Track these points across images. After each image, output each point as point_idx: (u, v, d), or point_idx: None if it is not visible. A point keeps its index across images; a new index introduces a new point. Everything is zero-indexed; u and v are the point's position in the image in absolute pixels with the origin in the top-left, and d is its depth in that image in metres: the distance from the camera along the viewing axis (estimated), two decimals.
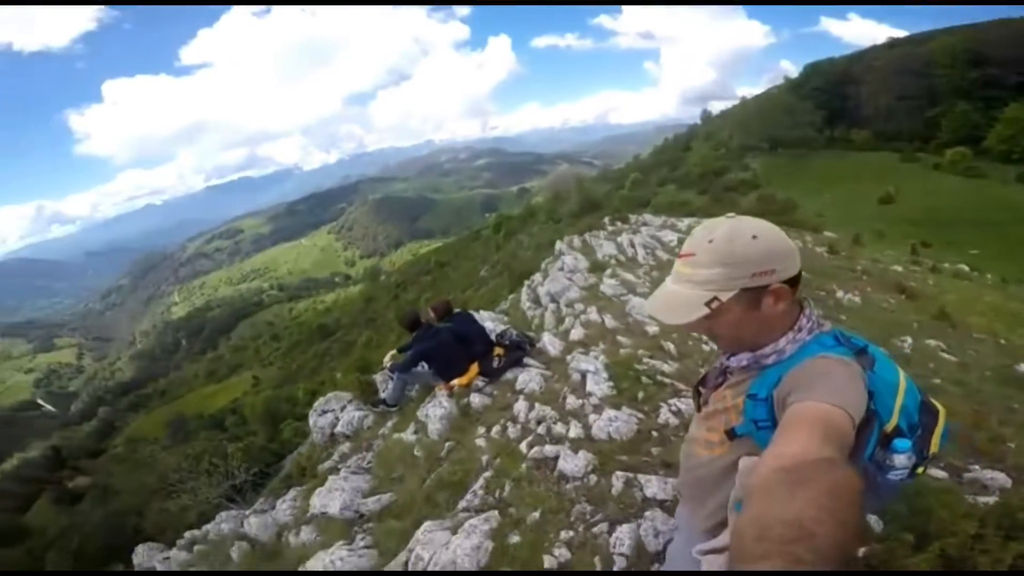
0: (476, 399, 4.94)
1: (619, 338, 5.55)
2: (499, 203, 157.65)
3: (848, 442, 0.79)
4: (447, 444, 4.55)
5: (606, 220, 14.27)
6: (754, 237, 0.95)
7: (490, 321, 7.87)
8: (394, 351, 6.08)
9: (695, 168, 43.45)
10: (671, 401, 4.00)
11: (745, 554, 0.52)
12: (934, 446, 1.05)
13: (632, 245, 9.67)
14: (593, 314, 6.31)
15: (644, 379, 4.38)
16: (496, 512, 3.19)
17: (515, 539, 2.93)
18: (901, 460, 0.97)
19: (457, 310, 5.59)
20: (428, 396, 5.51)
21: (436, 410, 5.03)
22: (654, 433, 3.62)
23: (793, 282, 0.99)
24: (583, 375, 4.56)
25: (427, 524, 3.32)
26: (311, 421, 7.35)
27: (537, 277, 9.25)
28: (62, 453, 51.31)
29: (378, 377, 7.31)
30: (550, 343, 5.72)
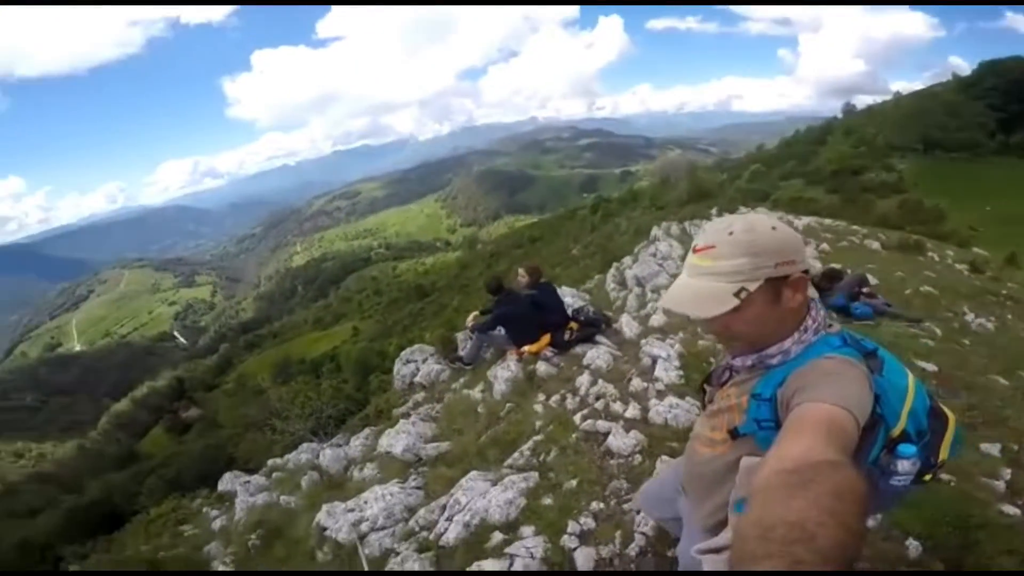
0: (542, 367, 5.07)
1: (700, 330, 5.37)
2: (599, 184, 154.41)
3: (852, 444, 0.77)
4: (507, 405, 4.76)
5: (713, 211, 13.50)
6: (773, 228, 0.96)
7: (570, 297, 7.92)
8: (477, 312, 6.35)
9: (829, 164, 39.22)
10: None
11: (747, 554, 0.52)
12: (943, 453, 1.03)
13: None
14: None
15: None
16: (536, 474, 3.33)
17: (547, 501, 3.04)
18: (905, 466, 0.95)
19: (543, 280, 5.67)
20: (500, 358, 5.74)
21: (504, 372, 5.25)
22: None
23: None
24: (654, 360, 4.51)
25: (472, 473, 3.54)
26: (395, 368, 7.98)
27: (627, 260, 9.08)
28: (184, 384, 59.14)
29: (460, 335, 7.70)
30: (627, 325, 5.68)
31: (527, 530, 2.84)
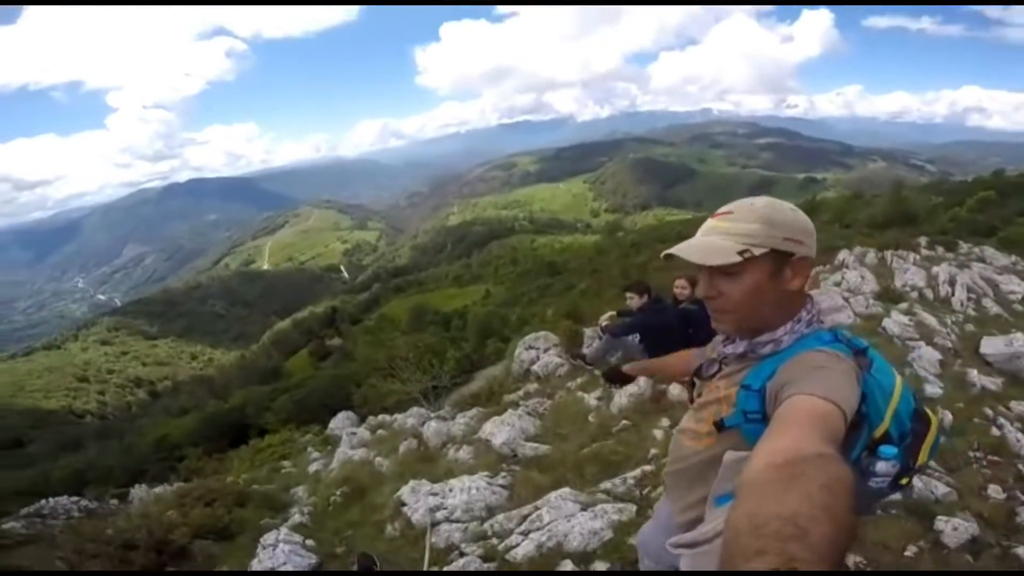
0: (675, 390, 4.48)
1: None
2: (774, 188, 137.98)
3: (840, 438, 0.77)
4: (623, 422, 4.33)
5: (922, 240, 10.83)
6: (792, 210, 1.00)
7: None
8: (612, 312, 5.84)
9: None
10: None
11: (739, 550, 0.50)
12: (922, 456, 1.03)
13: (951, 282, 7.04)
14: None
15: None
16: (634, 507, 2.96)
17: (635, 541, 2.54)
18: (884, 467, 0.94)
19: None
20: None
21: (629, 386, 4.75)
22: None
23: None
24: None
25: (565, 490, 3.21)
26: (516, 352, 7.80)
27: None
28: (336, 314, 66.97)
29: (588, 331, 7.27)
30: None
31: (601, 565, 2.59)
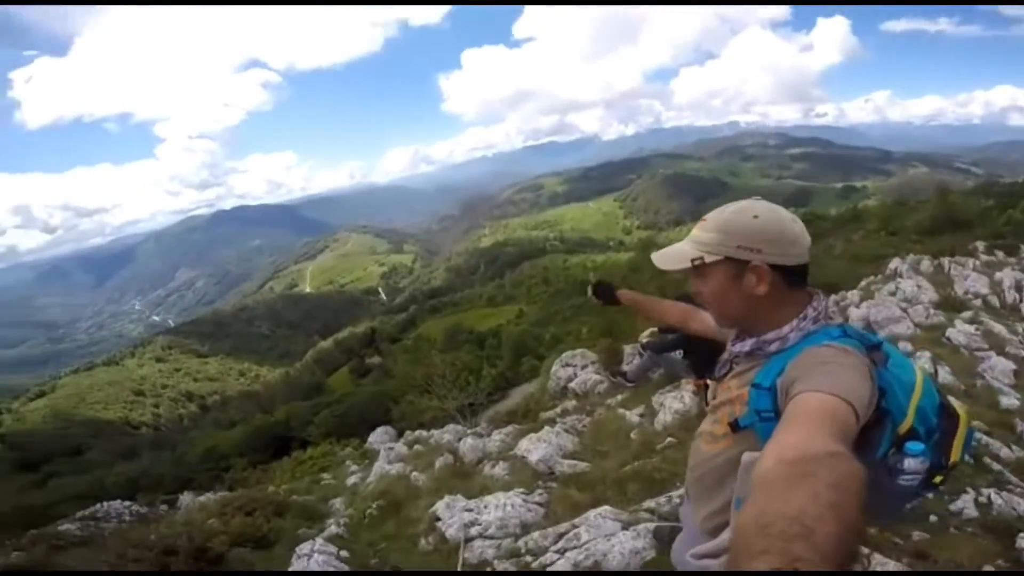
0: None
1: (952, 399, 3.81)
2: (812, 198, 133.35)
3: (851, 435, 0.75)
4: (668, 439, 4.15)
5: (979, 245, 10.17)
6: (755, 217, 0.99)
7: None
8: (654, 329, 5.71)
9: None
10: (984, 490, 2.76)
11: (743, 550, 0.49)
12: (955, 454, 1.00)
13: (1018, 287, 6.56)
14: (924, 361, 4.58)
15: (965, 457, 2.86)
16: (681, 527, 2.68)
17: None
18: (912, 464, 0.92)
19: None
20: (670, 385, 5.13)
21: (674, 402, 4.65)
22: (932, 518, 2.58)
23: (794, 273, 0.99)
24: None
25: (605, 508, 3.07)
26: (552, 369, 7.70)
27: (852, 295, 7.27)
28: (375, 334, 68.62)
29: (628, 348, 7.12)
30: None
31: None
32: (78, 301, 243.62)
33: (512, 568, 2.80)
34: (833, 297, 7.78)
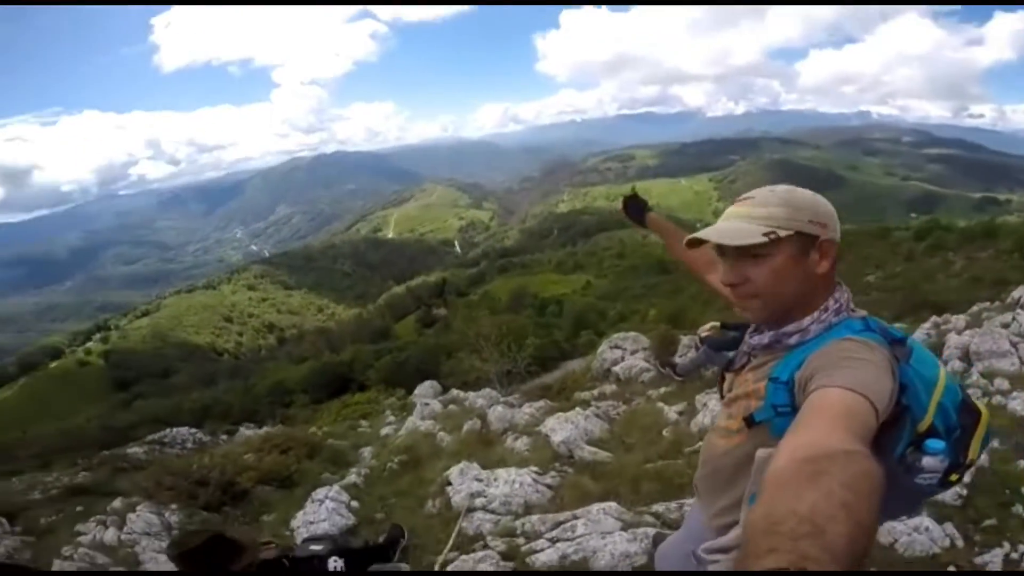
0: None
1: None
2: (940, 205, 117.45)
3: (870, 433, 0.73)
4: (699, 443, 3.90)
5: None
6: (813, 195, 0.98)
7: None
8: (716, 323, 5.36)
9: None
10: (1022, 546, 2.50)
11: (752, 548, 0.49)
12: (972, 452, 0.99)
13: None
14: (1017, 402, 3.99)
15: (1020, 509, 2.76)
16: None
17: None
18: (932, 463, 0.91)
19: None
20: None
21: (718, 405, 4.32)
22: (951, 567, 2.41)
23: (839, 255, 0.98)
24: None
25: (611, 504, 2.98)
26: (601, 348, 7.54)
27: (958, 319, 6.39)
28: (445, 285, 70.66)
29: (685, 340, 6.78)
30: None
31: None
32: (190, 226, 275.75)
33: (503, 546, 2.81)
34: (935, 319, 6.87)
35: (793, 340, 0.98)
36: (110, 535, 3.54)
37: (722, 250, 1.00)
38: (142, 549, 3.22)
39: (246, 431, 8.26)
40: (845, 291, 1.01)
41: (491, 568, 2.59)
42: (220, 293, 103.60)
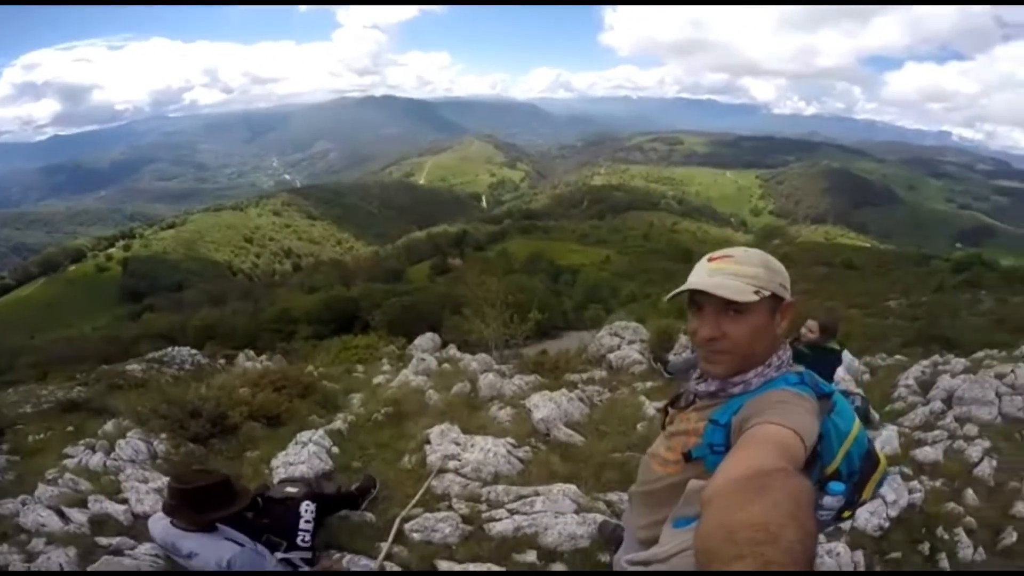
0: None
1: (970, 492, 3.57)
2: (991, 239, 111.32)
3: (799, 465, 0.81)
4: None
5: None
6: (774, 259, 1.07)
7: (844, 369, 5.96)
8: None
9: None
10: None
11: (716, 556, 0.53)
12: (867, 493, 1.13)
13: None
14: (975, 449, 4.05)
15: (925, 548, 2.92)
16: None
17: (605, 558, 2.62)
18: (830, 501, 1.04)
19: (835, 344, 4.04)
20: None
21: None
22: None
23: None
24: (874, 496, 3.07)
25: (570, 487, 3.17)
26: (600, 334, 7.63)
27: (957, 362, 6.34)
28: (464, 237, 70.19)
29: (683, 338, 6.84)
30: (885, 441, 4.05)
31: (560, 567, 2.61)
32: (231, 151, 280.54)
33: (465, 509, 3.02)
34: (935, 357, 6.81)
35: (737, 390, 1.06)
36: (96, 460, 3.66)
37: (699, 304, 1.05)
38: (126, 477, 3.33)
39: (245, 359, 8.41)
40: (787, 349, 1.11)
41: (450, 529, 2.80)
42: (246, 215, 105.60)
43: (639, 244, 67.84)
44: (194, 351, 8.33)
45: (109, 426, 4.30)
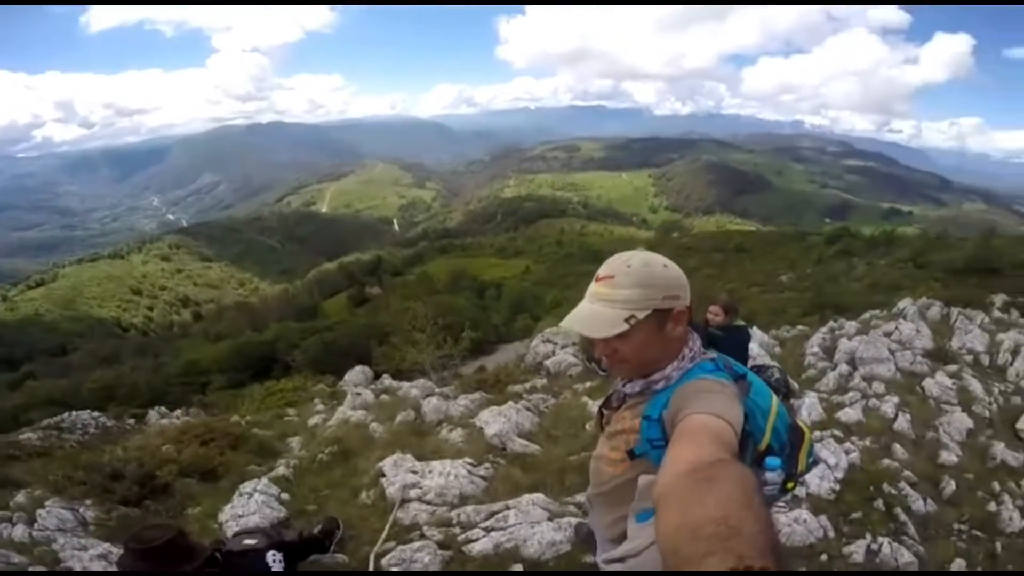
0: None
1: (897, 447, 4.01)
2: (852, 213, 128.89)
3: (735, 449, 0.85)
4: None
5: (996, 300, 9.49)
6: (664, 266, 1.08)
7: (758, 344, 6.54)
8: None
9: None
10: (881, 538, 2.93)
11: (686, 556, 0.51)
12: (801, 464, 1.18)
13: (1015, 351, 6.24)
14: (888, 405, 4.58)
15: (880, 504, 3.24)
16: None
17: (591, 559, 2.58)
18: (772, 476, 1.07)
19: (738, 322, 4.22)
20: None
21: None
22: (823, 557, 2.82)
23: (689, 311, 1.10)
24: (815, 462, 3.41)
25: (538, 496, 3.17)
26: (533, 343, 7.72)
27: (850, 326, 7.15)
28: (379, 264, 67.76)
29: None
30: (809, 408, 4.49)
31: None
32: (99, 192, 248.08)
33: (439, 535, 2.93)
34: (831, 324, 7.65)
35: (660, 386, 1.11)
36: (19, 532, 3.25)
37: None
38: (60, 547, 2.97)
39: (157, 415, 7.64)
40: (696, 338, 1.15)
41: (429, 557, 2.69)
42: (128, 263, 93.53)
43: (554, 251, 69.65)
44: (96, 413, 7.32)
45: (21, 497, 3.74)
